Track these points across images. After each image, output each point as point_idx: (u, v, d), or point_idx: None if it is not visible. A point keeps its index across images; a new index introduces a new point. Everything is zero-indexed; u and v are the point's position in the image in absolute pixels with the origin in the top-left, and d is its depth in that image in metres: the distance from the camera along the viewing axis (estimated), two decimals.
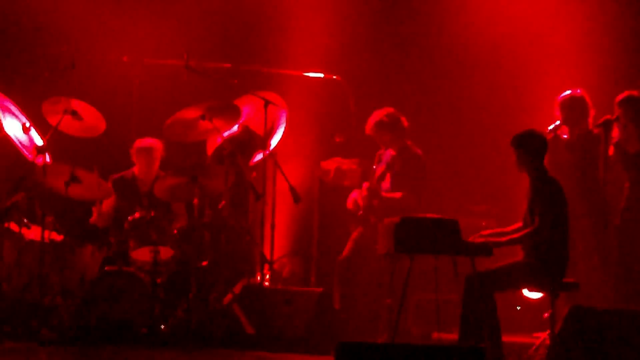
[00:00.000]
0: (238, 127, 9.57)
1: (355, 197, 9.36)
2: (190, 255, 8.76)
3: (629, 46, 10.24)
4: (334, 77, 10.14)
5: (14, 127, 8.98)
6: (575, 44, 10.22)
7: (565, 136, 9.16)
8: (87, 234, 9.21)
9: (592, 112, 9.09)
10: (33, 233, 8.81)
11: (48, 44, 10.08)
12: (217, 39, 10.63)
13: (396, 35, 10.91)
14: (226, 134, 9.22)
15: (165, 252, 8.73)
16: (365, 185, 9.30)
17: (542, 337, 8.02)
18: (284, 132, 9.70)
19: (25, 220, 8.83)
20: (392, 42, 10.90)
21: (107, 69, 10.16)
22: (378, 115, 9.36)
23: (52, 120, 8.78)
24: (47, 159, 8.73)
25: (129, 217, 8.87)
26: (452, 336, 8.37)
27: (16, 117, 9.03)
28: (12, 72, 10.11)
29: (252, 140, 9.64)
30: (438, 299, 8.23)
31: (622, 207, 8.88)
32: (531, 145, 7.79)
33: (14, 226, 8.78)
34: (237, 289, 8.83)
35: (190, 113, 8.90)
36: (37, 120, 8.97)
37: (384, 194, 9.28)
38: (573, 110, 9.08)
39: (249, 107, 9.65)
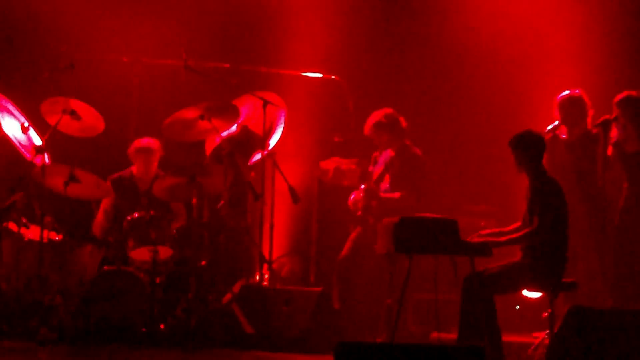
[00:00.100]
0: (237, 127, 9.58)
1: (355, 198, 9.36)
2: (189, 255, 8.76)
3: (628, 46, 10.23)
4: (333, 77, 10.13)
5: (13, 127, 8.99)
6: (575, 44, 10.21)
7: (564, 136, 9.15)
8: (86, 233, 9.21)
9: (590, 112, 9.08)
10: (32, 233, 8.80)
11: (47, 44, 10.08)
12: (216, 39, 10.63)
13: (395, 35, 10.90)
14: (225, 133, 9.21)
15: (164, 252, 8.74)
16: (363, 187, 9.29)
17: (541, 336, 8.02)
18: (282, 132, 9.70)
19: (24, 220, 8.82)
20: (391, 42, 10.90)
21: (106, 69, 10.16)
22: (376, 116, 9.36)
23: (51, 120, 8.77)
24: (46, 158, 8.71)
25: (128, 217, 8.87)
26: (451, 336, 8.35)
27: (15, 117, 9.03)
28: (11, 72, 10.11)
29: (251, 140, 9.64)
30: (437, 299, 8.22)
31: (621, 207, 8.87)
32: (529, 146, 7.78)
33: (13, 226, 8.78)
34: (236, 288, 8.83)
35: (189, 113, 8.88)
36: (36, 120, 8.97)
37: (382, 194, 9.28)
38: (572, 110, 9.07)
39: (248, 107, 9.64)
